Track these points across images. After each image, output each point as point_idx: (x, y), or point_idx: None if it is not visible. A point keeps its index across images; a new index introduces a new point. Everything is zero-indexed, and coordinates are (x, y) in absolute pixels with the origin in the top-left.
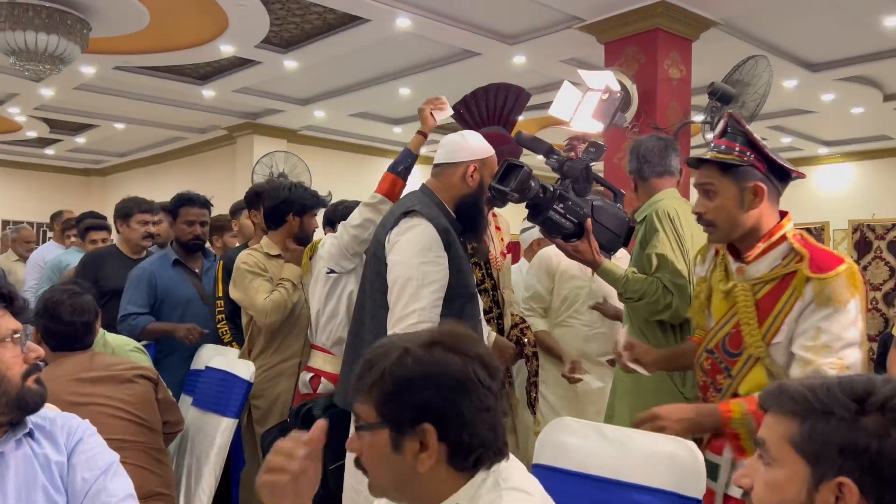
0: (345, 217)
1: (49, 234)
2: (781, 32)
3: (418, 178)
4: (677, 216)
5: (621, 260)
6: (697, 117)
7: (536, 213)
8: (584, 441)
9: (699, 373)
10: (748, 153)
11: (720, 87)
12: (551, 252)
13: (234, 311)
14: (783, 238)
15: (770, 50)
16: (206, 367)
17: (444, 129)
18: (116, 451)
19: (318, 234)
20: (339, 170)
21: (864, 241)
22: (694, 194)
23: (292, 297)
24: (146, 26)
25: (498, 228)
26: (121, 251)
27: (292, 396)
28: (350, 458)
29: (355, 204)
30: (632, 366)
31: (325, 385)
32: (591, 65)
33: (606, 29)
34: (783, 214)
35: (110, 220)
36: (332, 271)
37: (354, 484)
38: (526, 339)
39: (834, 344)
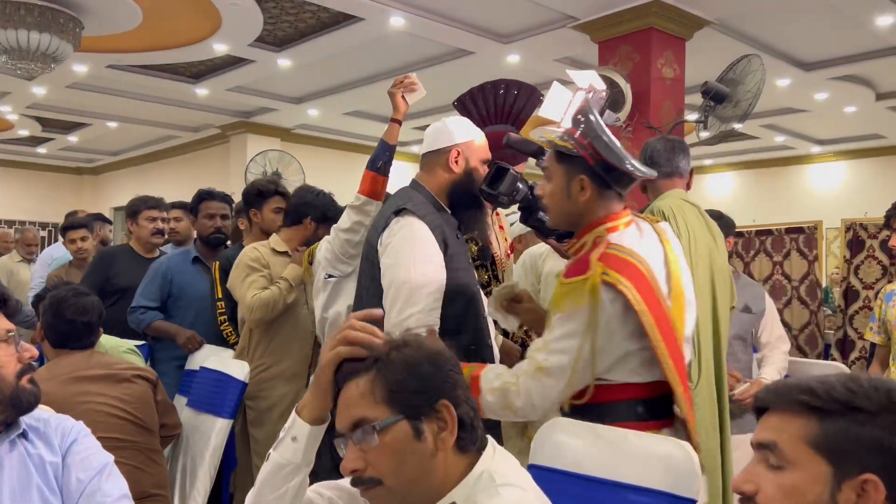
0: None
1: (41, 233)
2: (774, 32)
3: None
4: (674, 215)
5: None
6: (691, 116)
7: (528, 215)
8: (579, 441)
9: None
10: (586, 143)
11: (714, 86)
12: (536, 252)
13: (235, 311)
14: (590, 237)
15: (763, 49)
16: (201, 367)
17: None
18: (111, 450)
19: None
20: (332, 168)
21: (856, 239)
22: (695, 193)
23: (287, 296)
24: (139, 25)
25: (501, 228)
26: (133, 250)
27: (294, 402)
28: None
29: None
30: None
31: None
32: (585, 64)
33: (600, 28)
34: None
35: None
36: (330, 276)
37: None
38: (531, 342)
39: (550, 344)
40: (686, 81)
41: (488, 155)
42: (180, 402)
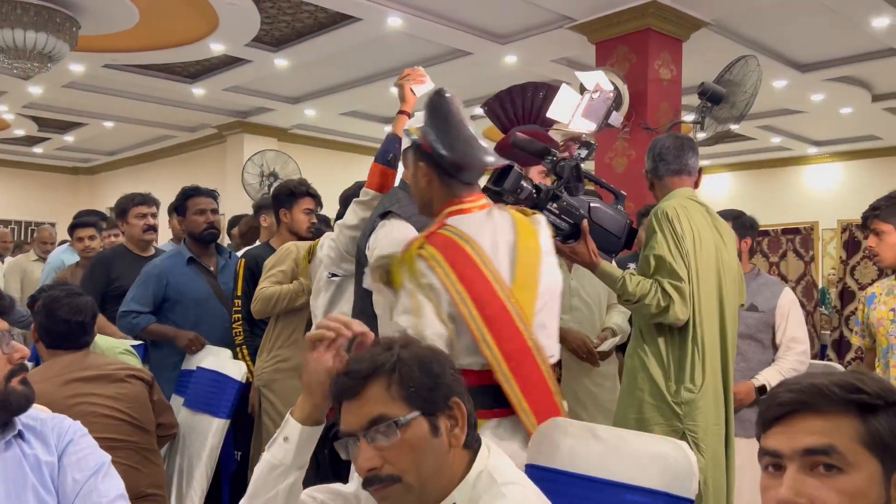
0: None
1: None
2: (771, 33)
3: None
4: (677, 215)
5: None
6: (688, 117)
7: None
8: (577, 441)
9: None
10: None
11: (710, 87)
12: None
13: (250, 311)
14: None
15: (760, 50)
16: (198, 367)
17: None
18: (107, 450)
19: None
20: (329, 169)
21: (853, 240)
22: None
23: (295, 298)
24: (136, 24)
25: None
26: (129, 249)
27: None
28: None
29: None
30: None
31: None
32: (583, 64)
33: (597, 29)
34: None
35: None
36: (334, 275)
37: None
38: None
39: (397, 310)
40: (683, 82)
41: None
42: (177, 402)
